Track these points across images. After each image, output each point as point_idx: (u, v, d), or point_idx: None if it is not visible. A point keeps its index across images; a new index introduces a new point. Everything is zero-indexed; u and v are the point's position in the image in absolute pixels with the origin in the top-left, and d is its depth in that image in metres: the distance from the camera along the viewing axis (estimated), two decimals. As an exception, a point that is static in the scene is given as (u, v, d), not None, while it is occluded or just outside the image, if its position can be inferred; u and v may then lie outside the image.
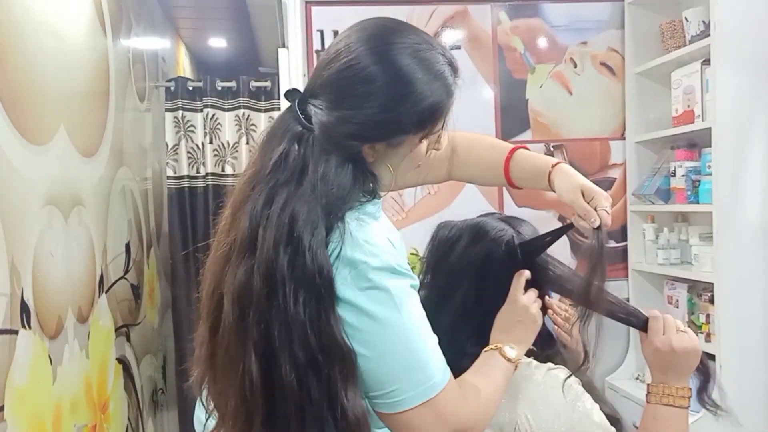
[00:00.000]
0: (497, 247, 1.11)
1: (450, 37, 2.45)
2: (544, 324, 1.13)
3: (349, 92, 0.89)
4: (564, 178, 1.12)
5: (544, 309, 1.13)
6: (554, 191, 1.14)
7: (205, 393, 0.96)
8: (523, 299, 1.08)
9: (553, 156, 2.50)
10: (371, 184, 0.93)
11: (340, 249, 0.85)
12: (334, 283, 0.84)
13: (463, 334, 1.09)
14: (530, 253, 1.12)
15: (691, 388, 1.10)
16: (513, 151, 1.22)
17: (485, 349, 1.04)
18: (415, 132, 0.92)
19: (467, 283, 1.11)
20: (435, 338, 0.91)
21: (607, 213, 1.06)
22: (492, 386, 0.97)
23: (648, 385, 1.11)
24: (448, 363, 0.91)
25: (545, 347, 1.14)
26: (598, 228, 1.05)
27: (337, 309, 0.85)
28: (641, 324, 1.12)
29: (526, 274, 1.10)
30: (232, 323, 0.88)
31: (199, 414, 1.08)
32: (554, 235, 1.12)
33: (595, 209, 1.06)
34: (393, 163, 0.94)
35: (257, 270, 0.86)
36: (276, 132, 0.93)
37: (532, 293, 1.10)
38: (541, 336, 1.12)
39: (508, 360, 1.02)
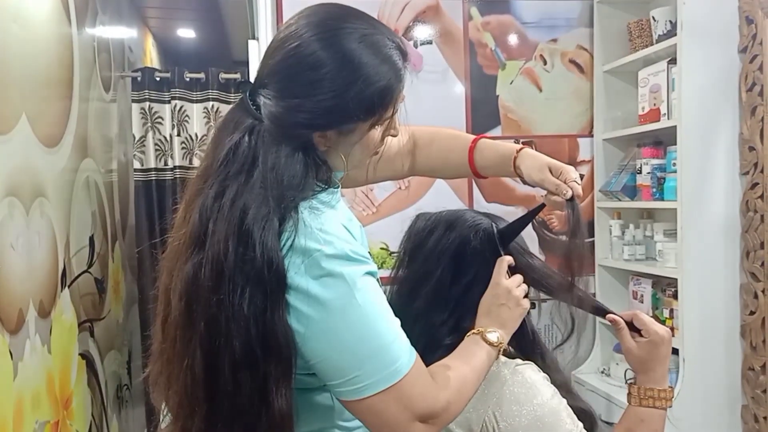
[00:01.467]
0: (474, 233, 1.12)
1: (422, 31, 2.45)
2: (528, 323, 1.14)
3: (296, 80, 0.88)
4: (530, 160, 1.15)
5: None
6: (520, 176, 1.16)
7: (156, 389, 0.95)
8: (505, 282, 1.07)
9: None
10: (325, 173, 0.91)
11: (294, 238, 0.84)
12: (284, 278, 0.83)
13: (436, 321, 1.09)
14: (505, 239, 1.12)
15: (673, 388, 1.12)
16: (476, 140, 1.23)
17: (468, 334, 1.04)
18: (365, 118, 0.90)
19: (442, 268, 1.11)
20: (397, 322, 0.89)
21: (578, 184, 1.09)
22: (469, 369, 0.96)
23: (637, 388, 1.10)
24: (422, 353, 0.91)
25: (526, 348, 1.14)
26: (571, 199, 1.07)
27: (288, 301, 0.84)
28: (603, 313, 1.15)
29: (508, 259, 1.09)
30: (178, 318, 0.87)
31: None
32: (526, 218, 1.14)
33: (565, 182, 1.08)
34: (345, 151, 0.93)
35: (206, 264, 0.85)
36: (227, 124, 0.92)
37: (517, 278, 1.09)
38: (523, 336, 1.12)
39: (490, 344, 1.01)
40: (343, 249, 0.85)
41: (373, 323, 0.85)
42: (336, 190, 0.94)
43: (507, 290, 1.06)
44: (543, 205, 1.15)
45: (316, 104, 0.87)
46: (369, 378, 0.84)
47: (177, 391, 0.88)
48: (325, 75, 0.87)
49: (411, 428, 0.87)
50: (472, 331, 1.04)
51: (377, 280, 0.90)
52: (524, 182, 1.17)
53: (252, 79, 0.96)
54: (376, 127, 0.93)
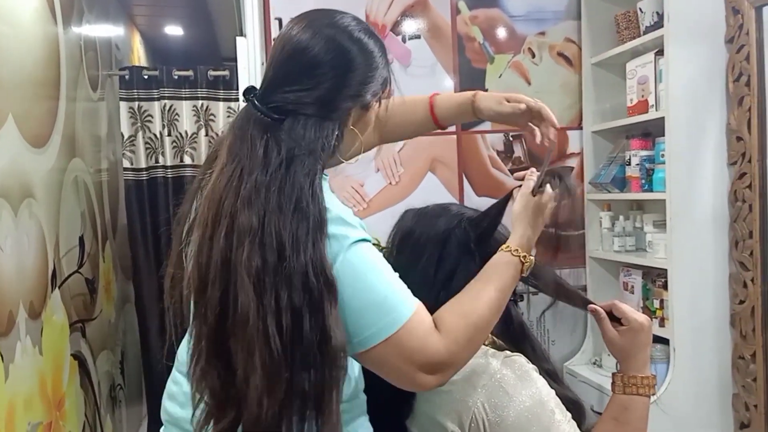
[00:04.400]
0: (458, 221, 1.14)
1: (410, 26, 2.45)
2: (515, 314, 1.14)
3: (333, 62, 0.96)
4: (486, 98, 1.32)
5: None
6: (479, 117, 1.34)
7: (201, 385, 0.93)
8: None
9: (512, 145, 2.52)
10: (332, 154, 0.97)
11: None
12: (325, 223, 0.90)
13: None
14: (489, 226, 1.14)
15: (655, 375, 1.13)
16: (432, 96, 1.39)
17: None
18: (380, 90, 1.01)
19: (427, 255, 1.13)
20: (394, 276, 0.94)
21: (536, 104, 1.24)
22: (485, 302, 0.97)
23: (620, 376, 1.11)
24: None
25: (515, 339, 1.15)
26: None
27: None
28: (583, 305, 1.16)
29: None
30: (251, 301, 0.88)
31: (168, 406, 1.09)
32: (500, 205, 1.15)
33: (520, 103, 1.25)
34: (359, 127, 1.02)
35: (268, 244, 0.89)
36: (245, 129, 0.95)
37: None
38: (512, 326, 1.13)
39: (510, 251, 1.03)
40: (338, 213, 0.92)
41: (367, 278, 0.91)
42: (326, 176, 1.00)
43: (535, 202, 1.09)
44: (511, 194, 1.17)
45: (359, 76, 0.97)
46: (367, 330, 0.89)
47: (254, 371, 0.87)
48: (356, 55, 0.97)
49: (417, 378, 0.91)
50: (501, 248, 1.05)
51: (373, 245, 0.96)
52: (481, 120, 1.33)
53: (251, 83, 1.01)
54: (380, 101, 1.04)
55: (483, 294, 0.99)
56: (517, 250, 1.04)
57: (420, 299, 0.99)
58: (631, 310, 1.12)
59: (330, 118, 0.95)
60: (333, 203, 0.94)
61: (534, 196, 1.10)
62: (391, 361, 0.90)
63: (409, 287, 1.06)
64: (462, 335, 0.93)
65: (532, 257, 1.05)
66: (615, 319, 1.13)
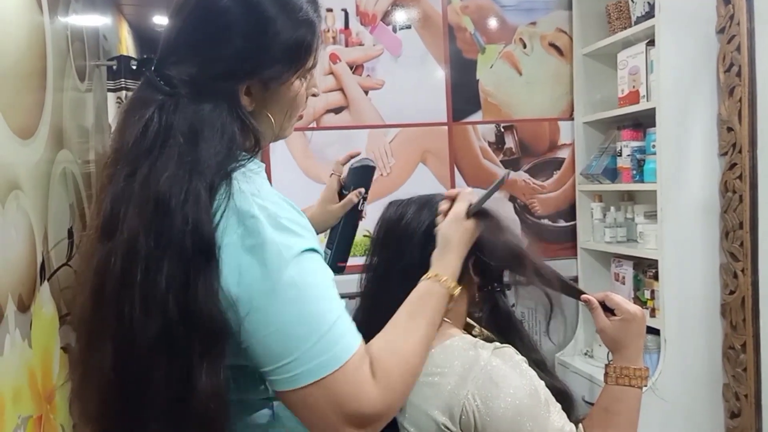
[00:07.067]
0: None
1: (401, 16, 2.43)
2: (503, 305, 1.14)
3: (208, 30, 0.83)
4: None
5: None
6: None
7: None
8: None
9: (503, 136, 2.52)
10: (252, 140, 0.86)
11: (226, 205, 0.78)
12: (212, 246, 0.76)
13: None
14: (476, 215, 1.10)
15: (648, 368, 1.13)
16: None
17: (423, 279, 0.99)
18: (288, 63, 0.86)
19: (412, 247, 1.11)
20: (341, 304, 0.81)
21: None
22: (418, 344, 0.88)
23: (613, 367, 1.11)
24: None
25: (503, 329, 1.15)
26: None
27: (220, 270, 0.77)
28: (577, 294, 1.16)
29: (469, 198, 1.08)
30: (89, 316, 0.80)
31: None
32: (490, 191, 1.10)
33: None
34: (272, 109, 0.89)
35: (118, 248, 0.77)
36: (134, 105, 0.86)
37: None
38: (499, 317, 1.13)
39: (429, 278, 0.97)
40: (277, 217, 0.79)
41: (309, 302, 0.77)
42: (263, 165, 0.89)
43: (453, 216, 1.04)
44: (503, 180, 1.12)
45: (234, 50, 0.82)
46: (302, 365, 0.76)
47: (92, 398, 0.81)
48: (239, 18, 0.82)
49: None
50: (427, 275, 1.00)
51: (320, 254, 0.83)
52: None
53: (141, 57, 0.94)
54: (301, 80, 0.90)
55: (415, 331, 0.90)
56: (446, 279, 0.97)
57: (406, 293, 0.96)
58: (624, 300, 1.12)
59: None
60: (271, 198, 0.81)
61: (468, 218, 1.05)
62: (318, 407, 0.77)
63: (393, 280, 1.04)
64: (398, 381, 0.83)
65: (458, 288, 0.99)
66: (608, 310, 1.13)
